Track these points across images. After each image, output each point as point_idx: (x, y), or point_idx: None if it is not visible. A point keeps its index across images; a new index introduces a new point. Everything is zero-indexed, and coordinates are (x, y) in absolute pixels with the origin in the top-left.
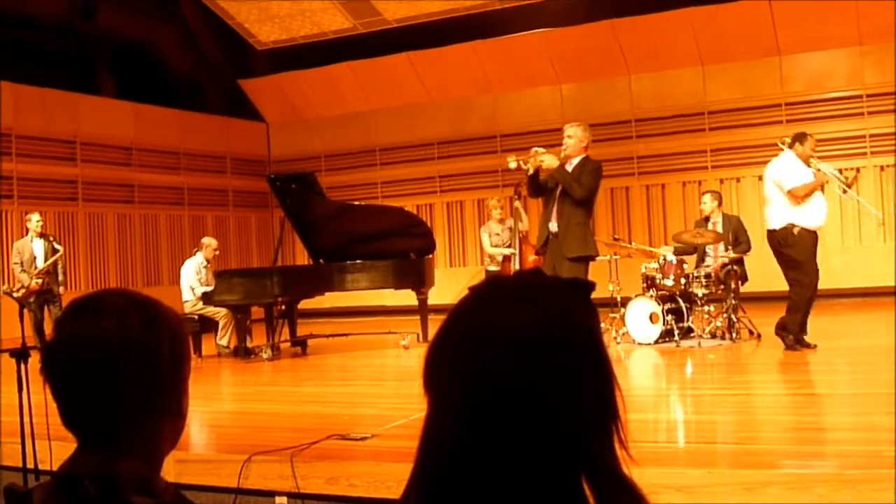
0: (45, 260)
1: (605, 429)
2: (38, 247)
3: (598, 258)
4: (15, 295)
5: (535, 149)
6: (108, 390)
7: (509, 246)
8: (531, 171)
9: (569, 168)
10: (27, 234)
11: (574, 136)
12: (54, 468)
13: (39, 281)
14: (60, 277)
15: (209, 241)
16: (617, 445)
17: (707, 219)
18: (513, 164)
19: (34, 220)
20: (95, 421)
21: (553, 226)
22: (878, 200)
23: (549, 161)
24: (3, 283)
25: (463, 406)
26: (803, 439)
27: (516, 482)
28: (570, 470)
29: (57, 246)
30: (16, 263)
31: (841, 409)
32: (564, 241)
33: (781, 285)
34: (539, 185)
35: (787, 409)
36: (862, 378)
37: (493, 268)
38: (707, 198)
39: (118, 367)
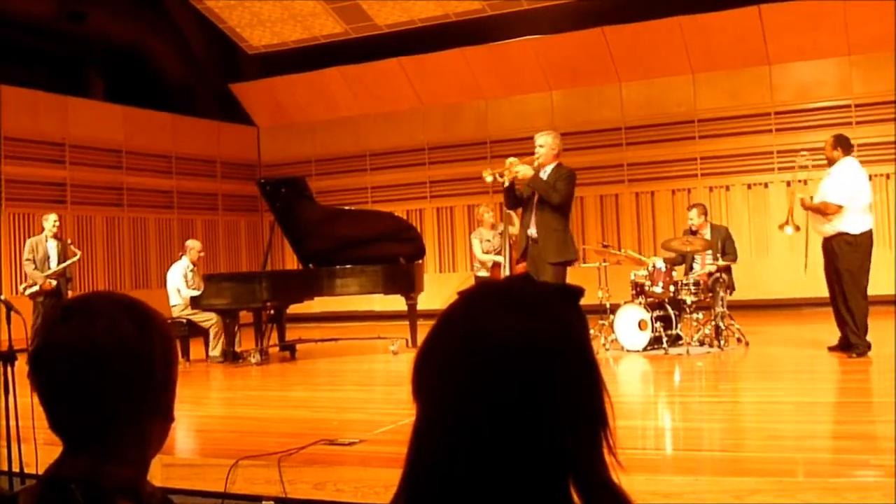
0: (59, 262)
1: (594, 435)
2: (52, 247)
3: (585, 265)
4: (27, 293)
5: (510, 160)
6: (98, 394)
7: (500, 252)
8: (507, 183)
9: (543, 175)
10: (36, 233)
11: (546, 145)
12: (40, 472)
13: (53, 282)
14: (70, 282)
15: (193, 244)
16: (606, 452)
17: (695, 230)
18: (489, 178)
19: (51, 221)
20: (85, 424)
21: (532, 232)
22: None
23: (524, 171)
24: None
25: (452, 411)
26: (790, 447)
27: (505, 488)
28: (559, 476)
29: (75, 250)
30: (28, 260)
31: (827, 417)
32: (544, 247)
33: (768, 294)
34: (515, 197)
35: (774, 416)
36: (848, 386)
37: (482, 273)
38: (693, 213)
39: (110, 369)
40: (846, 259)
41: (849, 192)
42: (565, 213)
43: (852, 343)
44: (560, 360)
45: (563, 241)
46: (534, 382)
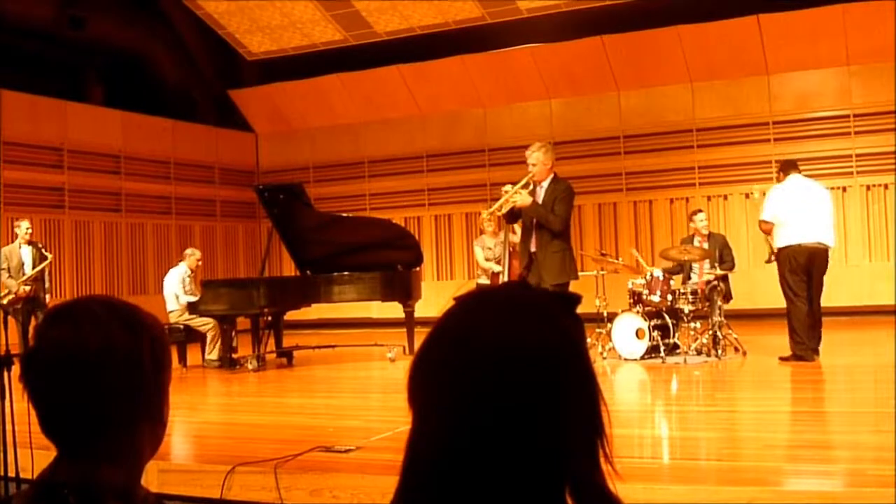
0: (34, 267)
1: (590, 443)
2: (27, 254)
3: (583, 273)
4: (3, 301)
5: (505, 188)
6: (89, 398)
7: (500, 261)
8: (504, 212)
9: (540, 192)
10: (15, 240)
11: (538, 162)
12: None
13: (28, 288)
14: (47, 285)
15: (193, 252)
16: (602, 460)
17: (692, 236)
18: (486, 216)
19: (23, 227)
20: (76, 429)
21: (533, 247)
22: (864, 220)
23: (521, 200)
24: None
25: (447, 419)
26: (787, 457)
27: (501, 495)
28: (555, 483)
29: (46, 253)
30: (3, 269)
31: (825, 426)
32: (544, 267)
33: (766, 303)
34: (514, 212)
35: (771, 426)
36: (846, 396)
37: (483, 281)
38: (703, 216)
39: (99, 374)
40: (778, 270)
41: (773, 210)
42: (565, 231)
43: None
44: (556, 368)
45: (562, 262)
46: (530, 389)
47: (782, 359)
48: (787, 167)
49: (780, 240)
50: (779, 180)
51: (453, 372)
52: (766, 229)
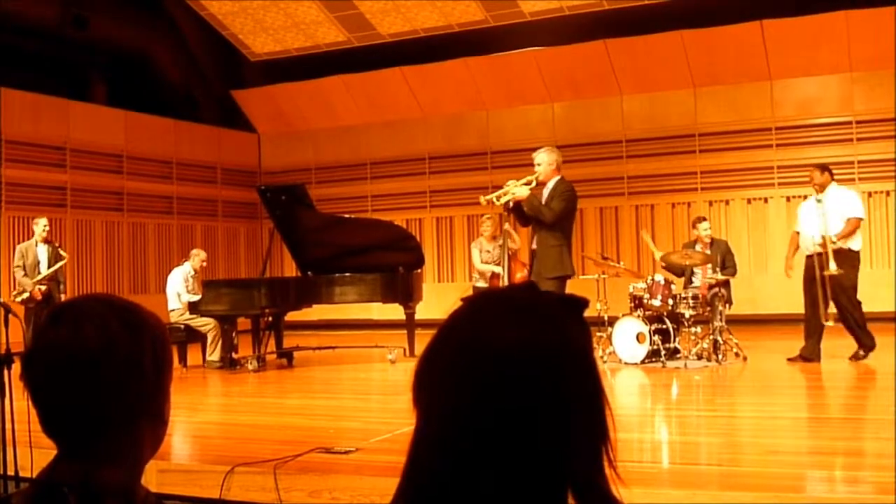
0: (49, 266)
1: (594, 447)
2: (42, 252)
3: (584, 276)
4: (17, 300)
5: (509, 183)
6: (89, 398)
7: (499, 263)
8: (511, 204)
9: (544, 192)
10: (31, 237)
11: (543, 162)
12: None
13: (43, 288)
14: (62, 285)
15: (199, 252)
16: (605, 464)
17: (695, 242)
18: (484, 203)
19: (41, 225)
20: (76, 429)
21: (535, 245)
22: (865, 226)
23: (520, 193)
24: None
25: (452, 419)
26: (787, 462)
27: (503, 498)
28: (558, 487)
29: (63, 253)
30: (17, 267)
31: (825, 432)
32: (541, 262)
33: (767, 309)
34: (524, 214)
35: (771, 431)
36: (846, 402)
37: (481, 284)
38: (707, 225)
39: (99, 374)
40: (851, 274)
41: (861, 209)
42: (563, 229)
43: (863, 344)
44: (562, 371)
45: (558, 256)
46: (535, 392)
47: (854, 358)
48: (831, 174)
49: (858, 241)
50: (823, 183)
51: (459, 372)
52: (857, 226)
